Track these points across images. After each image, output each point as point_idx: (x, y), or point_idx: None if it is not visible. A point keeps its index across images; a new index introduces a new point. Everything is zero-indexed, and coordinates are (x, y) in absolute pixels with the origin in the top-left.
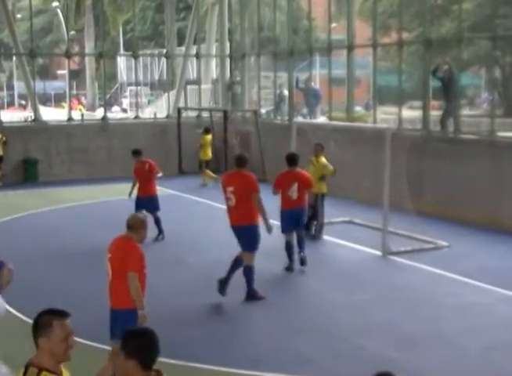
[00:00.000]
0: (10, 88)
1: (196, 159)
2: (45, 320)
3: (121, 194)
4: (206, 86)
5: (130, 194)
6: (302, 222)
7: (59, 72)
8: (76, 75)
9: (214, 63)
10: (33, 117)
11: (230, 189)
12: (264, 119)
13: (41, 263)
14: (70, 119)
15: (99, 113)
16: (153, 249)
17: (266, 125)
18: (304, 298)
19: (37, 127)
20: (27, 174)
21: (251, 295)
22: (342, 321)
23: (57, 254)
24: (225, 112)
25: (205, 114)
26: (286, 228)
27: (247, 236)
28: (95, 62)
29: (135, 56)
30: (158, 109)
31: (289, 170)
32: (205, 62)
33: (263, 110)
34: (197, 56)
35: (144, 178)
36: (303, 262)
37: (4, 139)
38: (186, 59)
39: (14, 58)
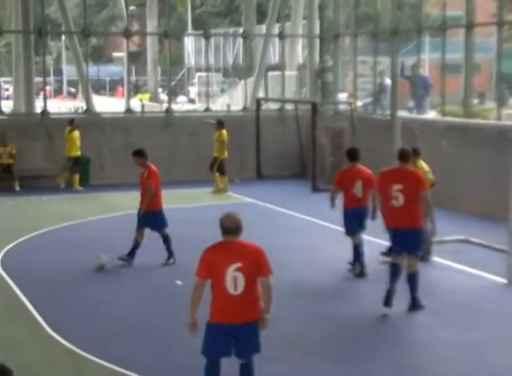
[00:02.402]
0: (58, 72)
1: (272, 160)
2: None
3: (188, 201)
4: (290, 73)
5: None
6: (365, 223)
7: (116, 54)
8: (135, 58)
9: (300, 44)
10: (84, 108)
11: (398, 187)
12: (360, 113)
13: (91, 282)
14: (127, 111)
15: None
16: None
17: (363, 121)
18: (409, 333)
19: (89, 120)
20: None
21: (415, 304)
22: (455, 363)
23: (108, 271)
24: (313, 104)
25: (289, 107)
26: (351, 229)
27: (415, 239)
28: (158, 43)
29: (206, 36)
30: (232, 100)
31: (351, 166)
32: (290, 43)
33: (359, 103)
34: (281, 36)
35: (143, 188)
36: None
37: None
38: (267, 39)
39: (63, 37)
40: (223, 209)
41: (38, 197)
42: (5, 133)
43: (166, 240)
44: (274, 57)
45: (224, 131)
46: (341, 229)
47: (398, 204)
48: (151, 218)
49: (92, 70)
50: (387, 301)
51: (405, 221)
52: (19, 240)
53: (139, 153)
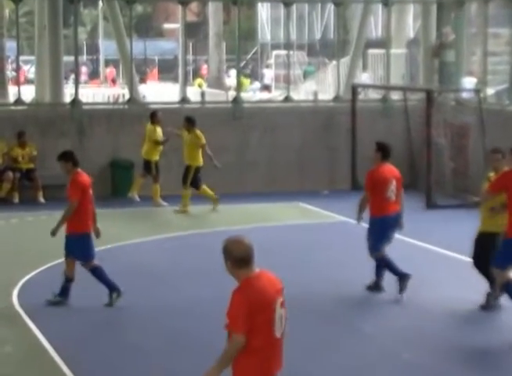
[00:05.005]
0: (93, 50)
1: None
2: None
3: (261, 220)
4: (398, 51)
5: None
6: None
7: (167, 27)
8: (193, 32)
9: (411, 13)
10: (127, 97)
11: None
12: (492, 104)
13: (124, 324)
14: (183, 100)
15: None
16: (313, 310)
17: (495, 114)
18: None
19: (134, 112)
20: (117, 184)
21: None
22: None
23: (157, 310)
24: (428, 93)
25: (395, 96)
26: (380, 244)
27: None
28: (222, 11)
29: (286, 3)
30: (320, 86)
31: (382, 164)
32: (397, 12)
33: (491, 90)
34: (385, 2)
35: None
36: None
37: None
38: (367, 7)
39: (100, 4)
40: (305, 231)
41: None
42: (24, 132)
43: (95, 272)
44: (376, 30)
45: (199, 132)
46: (464, 258)
47: None
48: (75, 243)
49: (137, 46)
50: None
51: None
52: (41, 268)
53: (63, 157)
